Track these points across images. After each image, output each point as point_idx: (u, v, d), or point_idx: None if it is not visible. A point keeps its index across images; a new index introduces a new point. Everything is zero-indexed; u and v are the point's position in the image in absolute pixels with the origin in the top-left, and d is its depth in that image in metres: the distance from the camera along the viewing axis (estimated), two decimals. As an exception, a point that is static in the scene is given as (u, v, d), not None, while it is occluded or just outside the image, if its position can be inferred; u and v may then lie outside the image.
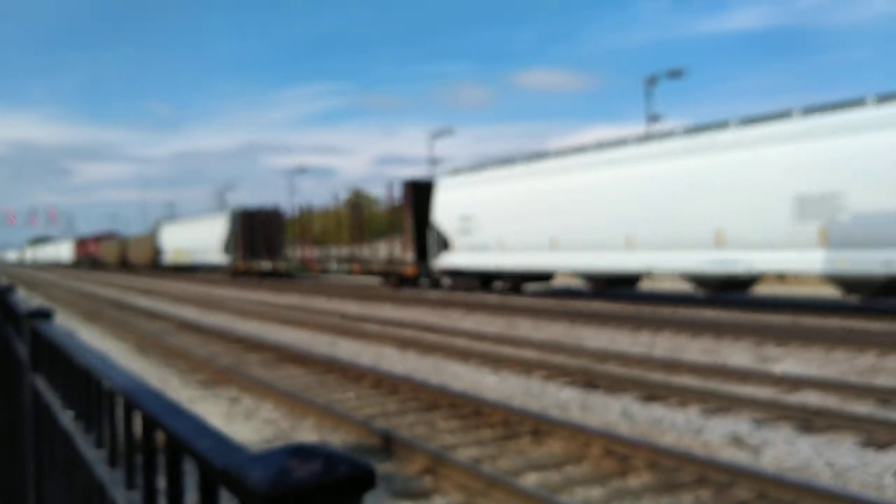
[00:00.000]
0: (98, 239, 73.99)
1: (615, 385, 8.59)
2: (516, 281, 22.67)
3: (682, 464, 5.27)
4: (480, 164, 23.83)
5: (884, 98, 13.87)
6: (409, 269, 25.85)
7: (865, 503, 4.42)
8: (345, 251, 30.77)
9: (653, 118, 29.17)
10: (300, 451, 0.69)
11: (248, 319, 17.75)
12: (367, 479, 0.69)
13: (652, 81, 29.09)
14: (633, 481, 5.21)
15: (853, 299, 15.28)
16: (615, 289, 20.53)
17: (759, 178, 15.13)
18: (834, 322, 14.09)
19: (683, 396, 7.85)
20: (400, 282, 26.71)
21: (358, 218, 30.48)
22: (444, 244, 24.50)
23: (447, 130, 42.62)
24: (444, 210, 24.30)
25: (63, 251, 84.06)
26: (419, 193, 25.77)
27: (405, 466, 5.58)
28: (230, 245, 40.43)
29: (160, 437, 1.08)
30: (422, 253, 25.57)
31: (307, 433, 6.82)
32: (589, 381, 8.88)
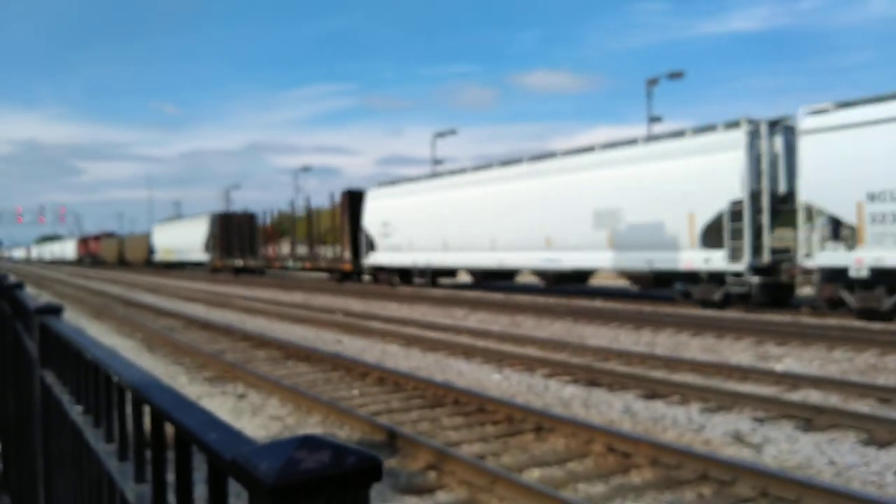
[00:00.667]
0: (98, 238, 78.70)
1: (617, 382, 8.61)
2: (433, 275, 26.94)
3: (684, 461, 5.29)
4: (397, 180, 29.07)
5: (651, 138, 19.29)
6: (347, 266, 30.43)
7: (867, 501, 4.44)
8: (300, 250, 35.48)
9: (654, 119, 29.12)
10: (308, 443, 0.70)
11: (254, 316, 17.80)
12: (374, 471, 0.70)
13: (653, 83, 29.00)
14: (636, 478, 5.24)
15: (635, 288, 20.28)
16: (491, 281, 25.63)
17: (572, 196, 20.02)
18: (834, 321, 14.09)
19: (685, 394, 7.87)
20: (342, 277, 31.09)
21: (311, 222, 34.69)
22: (371, 245, 29.09)
23: (450, 131, 42.75)
24: (371, 216, 29.00)
25: (67, 249, 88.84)
26: (354, 201, 30.02)
27: (409, 462, 5.61)
28: (210, 245, 45.11)
29: (169, 430, 1.09)
30: (356, 252, 29.94)
31: (313, 429, 6.86)
32: (591, 379, 8.90)
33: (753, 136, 16.12)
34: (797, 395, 7.84)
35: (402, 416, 7.21)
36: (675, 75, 28.30)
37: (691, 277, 17.48)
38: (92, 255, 77.31)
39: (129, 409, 1.43)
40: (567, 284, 22.31)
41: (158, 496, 1.19)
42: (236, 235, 42.47)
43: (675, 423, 6.81)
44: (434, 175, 27.17)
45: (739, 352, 10.97)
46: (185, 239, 48.93)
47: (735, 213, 16.16)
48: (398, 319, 15.94)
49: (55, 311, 2.41)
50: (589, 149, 20.38)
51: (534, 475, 5.30)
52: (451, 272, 27.16)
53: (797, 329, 12.78)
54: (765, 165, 15.99)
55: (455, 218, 24.40)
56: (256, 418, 7.35)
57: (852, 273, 14.35)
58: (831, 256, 14.78)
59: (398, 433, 6.11)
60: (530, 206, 21.34)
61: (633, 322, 14.39)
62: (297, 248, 36.04)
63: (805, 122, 15.23)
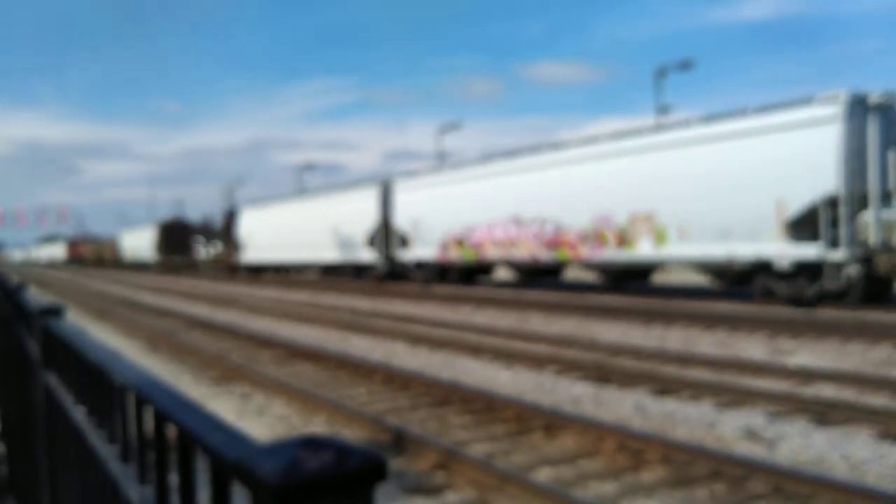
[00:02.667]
0: (83, 241, 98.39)
1: (628, 379, 8.56)
2: (278, 269, 40.01)
3: (696, 458, 5.23)
4: (255, 200, 44.89)
5: (347, 186, 33.99)
6: (231, 263, 44.49)
7: (882, 497, 4.37)
8: (211, 251, 53.55)
9: (663, 109, 28.96)
10: (311, 443, 0.69)
11: (259, 316, 17.81)
12: (378, 471, 0.70)
13: (662, 73, 28.85)
14: (647, 476, 5.18)
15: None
16: (303, 270, 38.08)
17: (324, 218, 33.20)
18: (848, 315, 13.99)
19: (697, 390, 7.81)
20: (229, 270, 44.67)
21: (214, 231, 51.26)
22: (244, 247, 42.74)
23: (455, 125, 42.60)
24: (242, 227, 43.00)
25: (58, 251, 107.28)
26: (234, 216, 44.88)
27: (417, 462, 5.57)
28: (157, 246, 59.86)
29: (172, 431, 1.08)
30: (236, 252, 44.42)
31: (319, 429, 6.83)
32: (602, 376, 8.84)
33: (385, 189, 29.44)
34: (810, 390, 7.77)
35: (410, 415, 7.17)
36: (685, 65, 28.12)
37: (368, 266, 30.75)
38: (78, 256, 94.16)
39: (131, 410, 1.41)
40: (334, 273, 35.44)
41: (162, 498, 1.17)
42: (174, 239, 57.87)
43: (687, 419, 6.76)
44: (271, 199, 42.40)
45: (752, 346, 10.90)
46: (141, 242, 64.00)
47: (375, 231, 29.64)
48: (405, 317, 15.91)
49: (57, 312, 2.39)
50: (330, 190, 35.90)
51: (544, 474, 5.25)
52: (286, 267, 39.18)
53: (811, 323, 12.68)
54: (397, 199, 28.83)
55: (284, 228, 37.54)
56: (262, 419, 7.33)
57: (410, 260, 27.68)
58: (404, 253, 28.14)
59: (405, 433, 6.07)
60: (308, 224, 34.83)
61: (643, 317, 14.33)
62: (206, 250, 54.06)
63: (396, 186, 28.80)
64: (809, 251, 14.91)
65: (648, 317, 14.39)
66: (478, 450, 5.85)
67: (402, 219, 27.69)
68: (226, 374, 9.87)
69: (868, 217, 14.35)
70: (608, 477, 5.17)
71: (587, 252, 19.69)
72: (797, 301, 15.23)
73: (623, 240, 18.54)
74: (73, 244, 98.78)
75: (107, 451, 1.59)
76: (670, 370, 9.09)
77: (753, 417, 6.71)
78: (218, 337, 13.96)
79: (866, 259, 14.36)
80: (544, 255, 21.23)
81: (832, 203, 14.55)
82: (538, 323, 14.69)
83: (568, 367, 9.42)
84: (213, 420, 0.97)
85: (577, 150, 20.31)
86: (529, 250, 21.63)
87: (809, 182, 14.71)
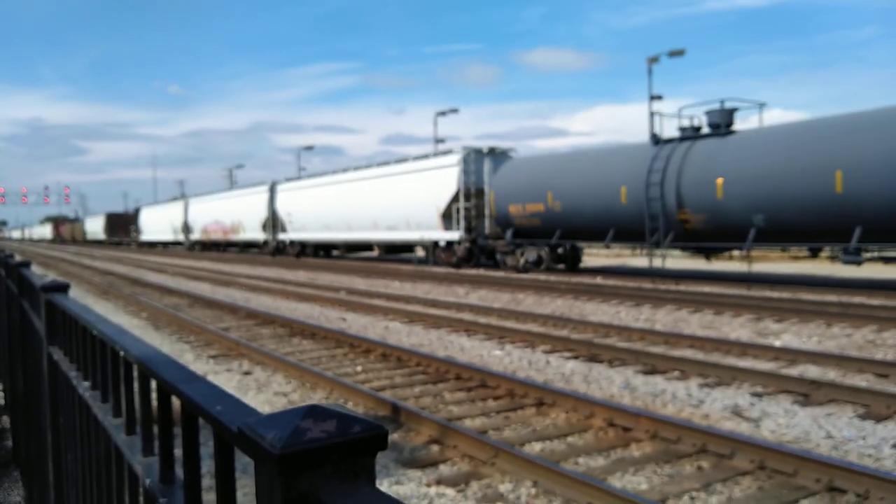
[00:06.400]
0: (62, 224, 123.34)
1: (618, 358, 8.67)
2: (165, 245, 63.99)
3: (683, 435, 5.35)
4: (149, 203, 77.12)
5: (176, 198, 68.03)
6: (137, 241, 70.55)
7: (864, 474, 4.49)
8: (133, 233, 75.94)
9: (655, 98, 28.80)
10: (314, 412, 0.70)
11: (259, 294, 17.86)
12: (379, 440, 0.70)
13: (654, 61, 28.59)
14: (636, 451, 5.30)
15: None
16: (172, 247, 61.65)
17: (167, 217, 62.70)
18: (832, 297, 14.14)
19: (684, 369, 7.93)
20: (138, 245, 69.64)
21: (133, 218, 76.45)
22: (142, 231, 69.52)
23: (452, 110, 42.62)
24: (143, 217, 70.19)
25: (46, 231, 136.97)
26: (138, 211, 73.12)
27: (412, 436, 5.67)
28: (105, 230, 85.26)
29: (176, 404, 1.11)
30: (141, 233, 70.79)
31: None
32: (592, 355, 8.96)
33: (186, 203, 57.72)
34: (795, 370, 7.90)
35: (405, 391, 7.27)
36: (676, 53, 27.91)
37: (181, 243, 58.21)
38: (60, 235, 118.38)
39: (135, 384, 1.45)
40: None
41: (166, 469, 1.21)
42: (116, 225, 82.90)
43: (675, 397, 6.88)
44: (152, 203, 71.98)
45: (738, 328, 11.02)
46: (97, 226, 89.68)
47: (182, 225, 57.36)
48: (401, 297, 15.99)
49: (61, 288, 2.44)
50: (169, 200, 65.53)
51: (535, 449, 5.36)
52: (155, 244, 65.03)
53: (796, 305, 12.82)
54: (190, 209, 57.40)
55: (154, 222, 64.52)
56: (262, 394, 7.42)
57: (194, 240, 55.87)
58: (192, 236, 56.23)
59: (401, 408, 6.18)
60: (159, 218, 62.93)
61: (633, 299, 14.44)
62: (132, 232, 75.28)
63: (190, 201, 57.04)
64: (262, 236, 42.97)
65: (638, 298, 14.51)
66: (471, 425, 5.96)
67: (191, 218, 54.80)
68: (226, 350, 9.95)
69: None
70: (597, 452, 5.28)
71: (232, 236, 47.34)
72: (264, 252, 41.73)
73: (238, 231, 46.14)
74: (56, 226, 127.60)
75: (111, 424, 1.63)
76: (659, 350, 9.21)
77: (739, 396, 6.83)
78: (218, 315, 14.02)
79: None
80: (223, 238, 48.97)
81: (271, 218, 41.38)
82: (530, 303, 14.80)
83: (559, 346, 9.53)
84: (217, 391, 0.99)
85: (226, 192, 50.84)
86: (220, 235, 49.28)
87: (262, 214, 42.44)
